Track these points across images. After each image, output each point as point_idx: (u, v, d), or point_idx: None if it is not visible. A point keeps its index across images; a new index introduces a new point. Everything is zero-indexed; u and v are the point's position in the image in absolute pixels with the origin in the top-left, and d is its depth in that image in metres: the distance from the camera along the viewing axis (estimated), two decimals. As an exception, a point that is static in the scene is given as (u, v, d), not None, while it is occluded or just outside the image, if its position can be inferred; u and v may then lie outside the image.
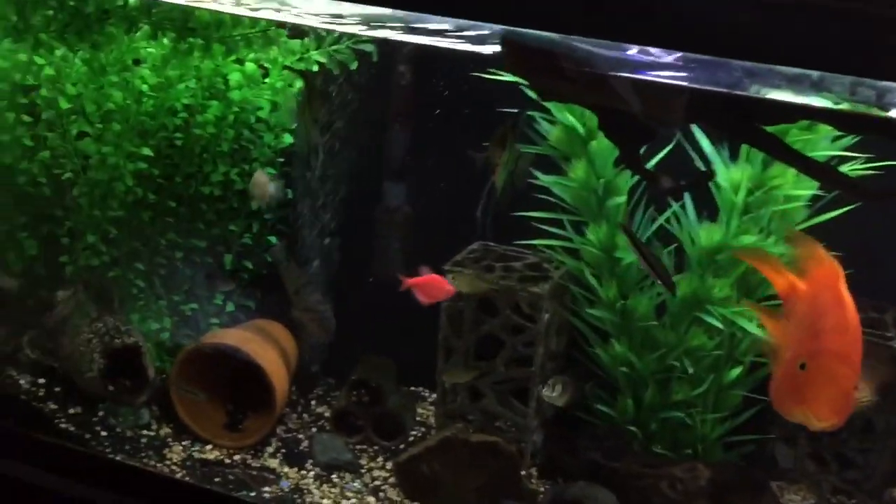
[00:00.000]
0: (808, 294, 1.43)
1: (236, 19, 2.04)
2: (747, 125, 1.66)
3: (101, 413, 2.39)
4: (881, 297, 2.14)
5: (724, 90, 1.57)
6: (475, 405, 2.36)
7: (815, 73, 1.49)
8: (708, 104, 1.64)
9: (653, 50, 1.58)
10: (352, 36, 2.19)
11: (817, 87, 1.53)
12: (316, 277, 2.41)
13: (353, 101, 2.39)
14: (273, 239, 2.46)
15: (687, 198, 2.14)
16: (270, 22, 2.04)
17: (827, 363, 1.31)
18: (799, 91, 1.55)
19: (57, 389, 2.41)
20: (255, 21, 2.02)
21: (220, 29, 1.99)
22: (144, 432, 2.37)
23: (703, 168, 2.02)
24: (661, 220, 2.17)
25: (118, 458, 2.27)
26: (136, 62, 2.24)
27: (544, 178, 2.20)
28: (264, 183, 2.19)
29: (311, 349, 2.57)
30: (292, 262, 2.25)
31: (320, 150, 2.29)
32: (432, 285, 2.10)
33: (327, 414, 2.51)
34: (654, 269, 1.85)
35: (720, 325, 2.06)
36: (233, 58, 2.20)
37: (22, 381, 2.41)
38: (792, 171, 1.97)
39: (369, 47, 2.23)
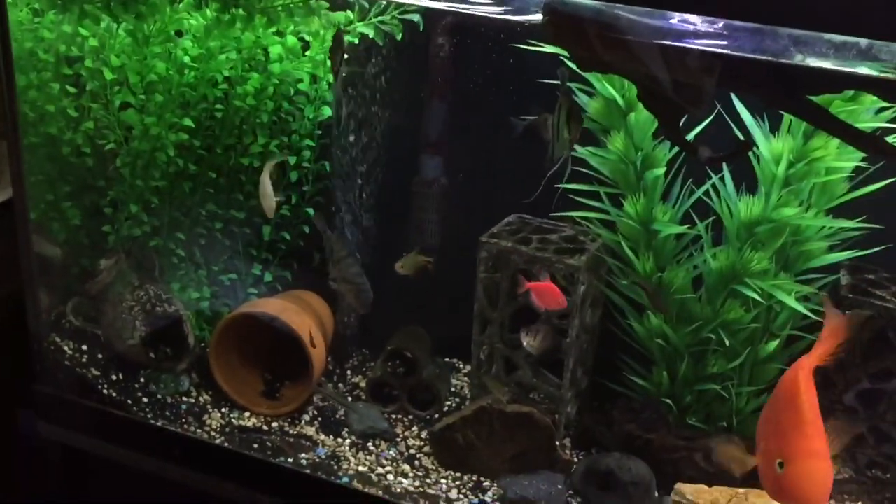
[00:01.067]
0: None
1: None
2: (792, 95, 1.66)
3: (142, 380, 2.43)
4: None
5: (769, 58, 1.57)
6: (510, 377, 2.38)
7: (863, 41, 1.48)
8: (751, 73, 1.63)
9: (694, 18, 1.58)
10: (399, 5, 2.19)
11: (864, 56, 1.52)
12: (354, 249, 2.43)
13: (390, 71, 2.40)
14: (310, 210, 2.48)
15: (725, 170, 2.14)
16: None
17: (802, 465, 1.43)
18: (846, 59, 1.54)
19: (99, 356, 2.46)
20: (296, -9, 2.04)
21: (263, 0, 2.01)
22: (184, 399, 2.42)
23: (744, 139, 2.01)
24: (699, 192, 2.16)
25: (159, 423, 2.32)
26: (179, 33, 2.26)
27: (582, 150, 2.21)
28: (270, 195, 2.21)
29: (348, 319, 2.60)
30: (333, 232, 2.26)
31: (351, 119, 2.30)
32: (548, 293, 2.13)
33: (363, 384, 2.54)
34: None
35: (759, 298, 2.06)
36: (273, 30, 2.21)
37: (66, 348, 2.46)
38: (835, 143, 1.96)
39: (415, 17, 2.23)
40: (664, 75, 1.66)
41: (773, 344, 2.15)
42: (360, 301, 2.26)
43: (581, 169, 2.25)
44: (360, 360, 2.67)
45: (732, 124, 2.06)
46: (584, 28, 1.66)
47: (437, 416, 2.43)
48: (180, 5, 2.14)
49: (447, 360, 2.64)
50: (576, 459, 2.28)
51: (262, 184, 2.20)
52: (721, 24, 1.57)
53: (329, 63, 2.04)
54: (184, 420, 2.35)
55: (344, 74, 1.96)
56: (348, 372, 2.61)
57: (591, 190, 2.24)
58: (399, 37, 2.21)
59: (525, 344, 2.23)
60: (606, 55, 1.70)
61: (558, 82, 1.99)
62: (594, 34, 1.65)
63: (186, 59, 2.26)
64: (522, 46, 2.11)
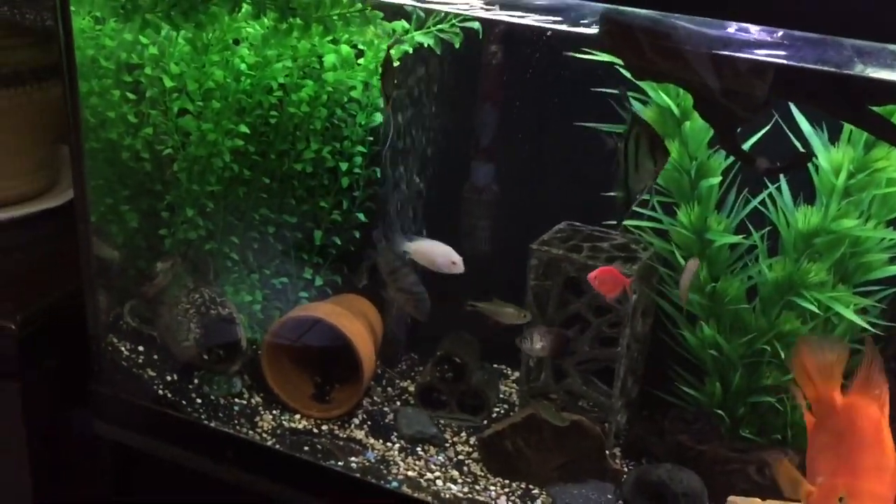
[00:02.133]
0: (844, 413, 1.42)
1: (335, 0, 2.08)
2: (854, 105, 1.63)
3: (195, 381, 2.47)
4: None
5: (831, 69, 1.55)
6: (559, 384, 2.37)
7: (931, 52, 1.45)
8: (812, 83, 1.61)
9: (753, 28, 1.57)
10: (457, 14, 2.20)
11: (931, 66, 1.49)
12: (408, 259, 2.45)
13: (442, 78, 2.41)
14: (361, 216, 2.51)
15: (782, 180, 2.11)
16: (367, 2, 2.07)
17: None
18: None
19: (155, 357, 2.51)
20: (352, 1, 2.05)
21: (320, 9, 2.03)
22: (237, 401, 2.45)
23: (801, 150, 1.98)
24: (755, 202, 2.14)
25: (212, 424, 2.36)
26: (236, 42, 2.30)
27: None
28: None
29: (397, 325, 2.62)
30: (389, 244, 2.29)
31: (397, 126, 2.32)
32: (608, 278, 2.06)
33: (411, 388, 2.56)
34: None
35: (815, 310, 2.03)
36: (328, 38, 2.24)
37: (123, 349, 2.51)
38: (896, 154, 1.92)
39: (475, 24, 2.24)
40: (721, 86, 1.65)
41: (830, 357, 2.11)
42: (419, 310, 2.28)
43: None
44: (408, 365, 2.68)
45: (791, 134, 2.03)
46: (641, 37, 1.65)
47: (485, 422, 2.43)
48: (239, 14, 2.18)
49: (496, 365, 2.65)
50: (626, 469, 2.27)
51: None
52: (781, 34, 1.55)
53: (381, 76, 2.05)
54: (236, 421, 2.39)
55: (394, 96, 1.97)
56: (397, 376, 2.62)
57: (645, 199, 2.22)
58: (458, 45, 2.21)
59: (527, 350, 2.22)
60: (662, 64, 1.69)
61: (624, 104, 1.98)
62: (650, 44, 1.65)
63: (243, 66, 2.29)
64: (577, 55, 2.10)
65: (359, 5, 2.01)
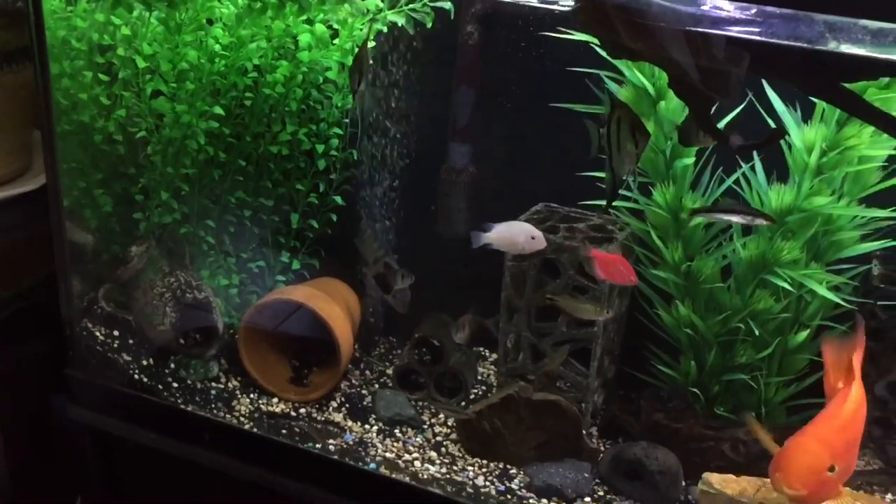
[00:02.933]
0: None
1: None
2: (826, 82, 1.64)
3: (172, 365, 2.46)
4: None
5: (803, 45, 1.56)
6: (536, 365, 2.38)
7: (901, 27, 1.46)
8: (784, 60, 1.62)
9: (726, 4, 1.57)
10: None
11: (901, 41, 1.50)
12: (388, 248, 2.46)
13: (418, 60, 2.40)
14: (338, 199, 2.50)
15: (756, 159, 2.12)
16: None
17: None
18: (882, 46, 1.52)
19: (131, 342, 2.49)
20: (327, -21, 2.04)
21: (296, -13, 2.02)
22: (213, 385, 2.44)
23: (775, 127, 1.99)
24: (729, 181, 2.15)
25: (189, 408, 2.35)
26: (210, 22, 2.28)
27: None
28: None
29: (374, 308, 2.61)
30: (371, 232, 2.29)
31: (378, 113, 2.31)
32: (616, 265, 2.05)
33: (389, 371, 2.56)
34: (750, 213, 1.87)
35: (789, 288, 2.05)
36: (303, 18, 2.22)
37: (98, 333, 2.49)
38: (868, 131, 1.94)
39: (447, 4, 2.23)
40: (695, 63, 1.65)
41: (803, 334, 2.13)
42: (399, 301, 2.28)
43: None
44: (386, 348, 2.68)
45: (764, 113, 2.04)
46: (615, 15, 1.65)
47: (463, 403, 2.44)
48: (212, -7, 2.16)
49: (474, 348, 2.65)
50: (602, 448, 2.28)
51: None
52: (754, 11, 1.56)
53: (350, 70, 2.03)
54: (213, 405, 2.38)
55: (363, 88, 1.96)
56: (375, 359, 2.62)
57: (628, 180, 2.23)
58: (430, 25, 2.20)
59: (456, 338, 2.28)
60: (637, 42, 1.69)
61: (605, 90, 1.97)
62: (625, 21, 1.65)
63: (217, 47, 2.27)
64: (553, 35, 2.10)
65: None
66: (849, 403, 1.69)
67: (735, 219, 1.93)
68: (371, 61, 2.21)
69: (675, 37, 1.63)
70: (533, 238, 2.07)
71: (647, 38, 1.66)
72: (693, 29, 1.60)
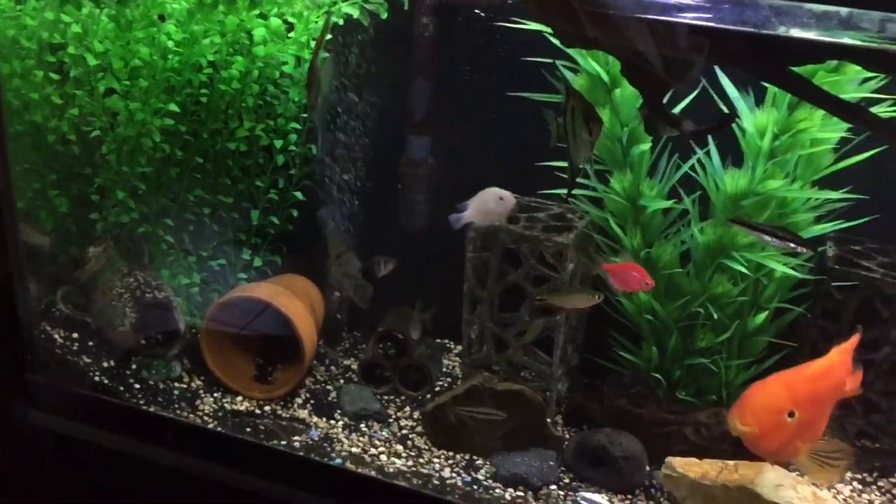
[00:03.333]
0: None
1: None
2: (775, 66, 1.66)
3: (133, 366, 2.43)
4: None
5: (750, 30, 1.57)
6: (500, 355, 2.39)
7: (843, 10, 1.48)
8: (733, 45, 1.63)
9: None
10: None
11: (846, 25, 1.53)
12: (350, 243, 2.45)
13: (375, 53, 2.40)
14: (298, 194, 2.48)
15: (711, 144, 2.14)
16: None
17: None
18: (827, 29, 1.54)
19: (90, 344, 2.46)
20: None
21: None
22: (176, 385, 2.42)
23: (727, 112, 2.01)
24: (685, 167, 2.17)
25: (152, 409, 2.32)
26: (162, 18, 2.25)
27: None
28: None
29: (338, 303, 2.60)
30: (337, 226, 2.27)
31: (337, 109, 2.29)
32: (630, 274, 2.03)
33: (354, 366, 2.55)
34: (789, 240, 1.88)
35: (746, 271, 2.07)
36: (256, 12, 2.20)
37: (57, 336, 2.45)
38: (819, 114, 1.96)
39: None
40: (647, 49, 1.66)
41: (761, 316, 2.16)
42: (360, 296, 2.27)
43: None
44: (351, 343, 2.67)
45: (717, 98, 2.06)
46: (566, 2, 1.65)
47: (428, 396, 2.44)
48: (162, -11, 2.13)
49: (438, 340, 2.65)
50: (567, 436, 2.29)
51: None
52: (704, -4, 1.57)
53: (306, 85, 2.02)
54: (176, 405, 2.36)
55: (319, 105, 1.95)
56: (340, 354, 2.61)
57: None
58: (384, 16, 2.20)
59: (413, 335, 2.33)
60: (589, 30, 1.70)
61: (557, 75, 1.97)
62: (576, 8, 1.65)
63: (170, 43, 2.25)
64: (507, 25, 2.10)
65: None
66: (823, 360, 1.69)
67: (774, 242, 1.90)
68: (326, 60, 2.19)
69: (626, 24, 1.63)
70: (501, 199, 2.07)
71: (597, 26, 1.66)
72: (643, 16, 1.61)
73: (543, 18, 1.81)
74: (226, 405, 2.38)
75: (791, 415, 1.57)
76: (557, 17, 1.71)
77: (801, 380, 1.66)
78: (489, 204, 2.07)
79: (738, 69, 1.94)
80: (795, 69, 1.68)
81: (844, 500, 2.09)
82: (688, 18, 1.60)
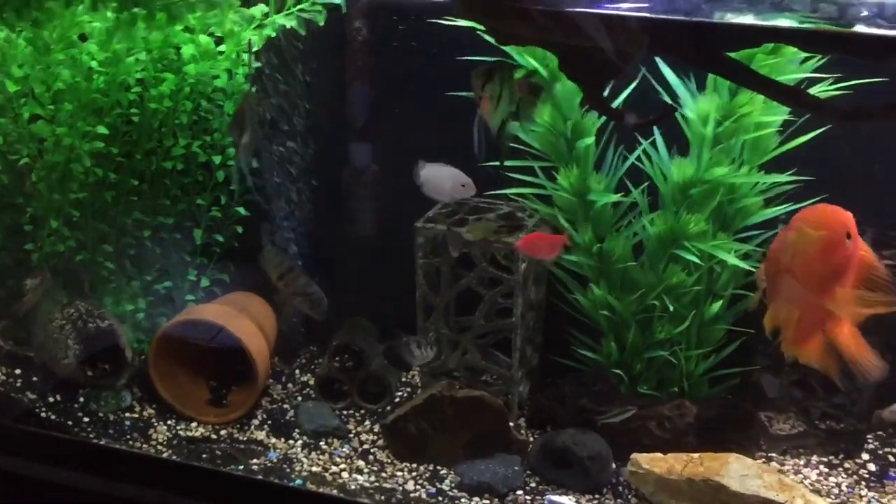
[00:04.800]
0: None
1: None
2: (709, 52, 1.62)
3: (81, 399, 2.35)
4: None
5: (682, 18, 1.54)
6: (459, 362, 2.34)
7: (774, -7, 1.45)
8: (665, 34, 1.59)
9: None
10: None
11: (778, 7, 1.49)
12: (296, 260, 2.38)
13: (310, 61, 2.33)
14: (241, 210, 2.42)
15: (657, 134, 2.11)
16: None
17: None
18: (760, 13, 1.51)
19: (34, 379, 2.37)
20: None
21: (163, -4, 1.92)
22: (128, 415, 2.35)
23: (669, 102, 1.98)
24: (631, 158, 2.13)
25: (103, 442, 2.25)
26: (83, 38, 2.17)
27: (512, 124, 2.15)
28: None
29: (291, 318, 2.54)
30: (275, 246, 2.20)
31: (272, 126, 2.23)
32: (538, 242, 2.00)
33: (312, 382, 2.49)
34: None
35: (697, 261, 2.04)
36: (181, 27, 2.13)
37: (-2, 374, 2.37)
38: (760, 98, 1.93)
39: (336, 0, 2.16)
40: (579, 42, 1.62)
41: (717, 305, 2.13)
42: (317, 310, 2.21)
43: (513, 145, 2.20)
44: (307, 358, 2.61)
45: (660, 87, 2.02)
46: (495, 1, 1.60)
47: (388, 407, 2.38)
48: (78, 8, 2.04)
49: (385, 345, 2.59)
50: (531, 439, 2.25)
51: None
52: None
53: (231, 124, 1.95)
54: (129, 436, 2.28)
55: (246, 141, 1.89)
56: (297, 371, 2.55)
57: (525, 165, 2.19)
58: (322, 22, 2.13)
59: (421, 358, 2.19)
60: (518, 26, 1.65)
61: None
62: (503, 5, 1.60)
63: (93, 63, 2.16)
64: (441, 22, 2.05)
65: (204, -11, 1.91)
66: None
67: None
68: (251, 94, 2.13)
69: (553, 18, 1.59)
70: (463, 185, 1.97)
71: (527, 23, 1.62)
72: (571, 9, 1.56)
73: (472, 18, 1.75)
74: (180, 432, 2.31)
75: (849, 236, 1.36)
76: (486, 17, 1.67)
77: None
78: (445, 184, 1.98)
79: (673, 58, 1.91)
80: (732, 55, 1.65)
81: (811, 484, 2.07)
82: (621, 10, 1.56)
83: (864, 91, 1.83)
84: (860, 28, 1.47)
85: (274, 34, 2.21)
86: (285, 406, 2.40)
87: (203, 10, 1.93)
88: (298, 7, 2.16)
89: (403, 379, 2.50)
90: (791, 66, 1.89)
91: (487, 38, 1.93)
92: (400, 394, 2.45)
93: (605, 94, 1.85)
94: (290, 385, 2.50)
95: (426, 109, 2.29)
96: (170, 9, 1.89)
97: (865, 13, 1.47)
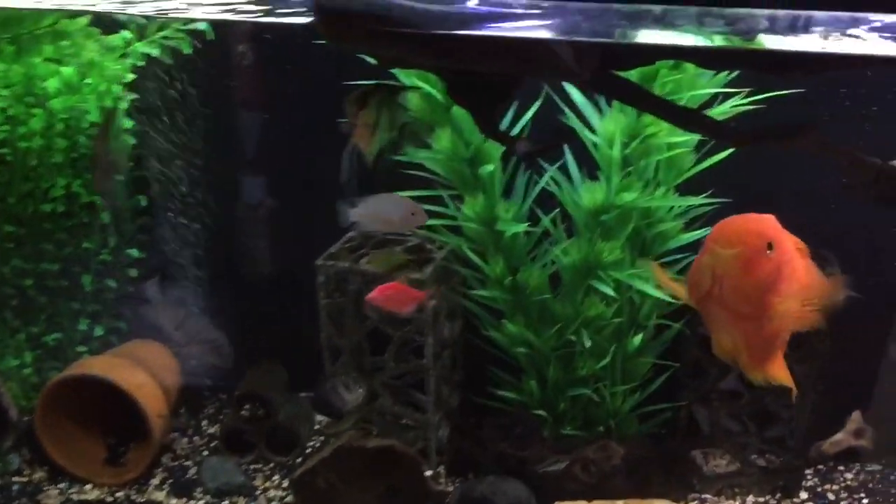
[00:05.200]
0: None
1: (36, 16, 1.79)
2: (600, 74, 1.47)
3: (-35, 465, 2.17)
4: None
5: (562, 38, 1.38)
6: (371, 406, 2.17)
7: (657, 8, 1.30)
8: (547, 55, 1.44)
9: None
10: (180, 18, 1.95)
11: (661, 22, 1.34)
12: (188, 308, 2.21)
13: (191, 92, 2.15)
14: (134, 252, 2.24)
15: (569, 156, 1.95)
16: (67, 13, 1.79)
17: None
18: (643, 29, 1.35)
19: (-89, 447, 2.18)
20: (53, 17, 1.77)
21: (7, 27, 1.74)
22: (15, 479, 2.16)
23: (564, 126, 1.83)
24: (541, 182, 1.97)
25: (-13, 512, 2.07)
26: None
27: (410, 151, 1.99)
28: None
29: (195, 367, 2.36)
30: (167, 298, 2.03)
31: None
32: (394, 295, 1.83)
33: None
34: None
35: (611, 292, 1.88)
36: (40, 59, 1.94)
37: None
38: (667, 117, 1.78)
39: (202, 25, 1.99)
40: (462, 67, 1.46)
41: (640, 337, 1.98)
42: (222, 357, 2.04)
43: (418, 172, 2.04)
44: (216, 408, 2.43)
45: (567, 108, 1.87)
46: (357, 24, 1.44)
47: (299, 459, 2.21)
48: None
49: (307, 394, 2.42)
50: (451, 488, 2.09)
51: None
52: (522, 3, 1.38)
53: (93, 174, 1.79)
54: (16, 502, 2.10)
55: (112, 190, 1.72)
56: (203, 423, 2.37)
57: (431, 195, 2.03)
58: (187, 50, 1.96)
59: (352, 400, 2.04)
60: (391, 50, 1.49)
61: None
62: (368, 29, 1.44)
63: (-53, 102, 1.98)
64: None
65: (48, 20, 1.73)
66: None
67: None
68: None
69: (427, 41, 1.43)
70: (413, 214, 1.74)
71: (398, 46, 1.46)
72: (441, 31, 1.40)
73: (337, 43, 1.58)
74: (73, 496, 2.13)
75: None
76: (350, 41, 1.50)
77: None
78: (392, 215, 1.75)
79: (557, 80, 1.75)
80: (626, 75, 1.49)
81: (747, 526, 1.92)
82: (495, 30, 1.40)
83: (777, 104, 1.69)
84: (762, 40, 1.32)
85: (140, 63, 2.04)
86: (187, 463, 2.23)
87: (50, 42, 1.75)
88: (161, 35, 1.98)
89: (316, 427, 2.33)
90: (700, 80, 1.74)
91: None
92: (312, 443, 2.28)
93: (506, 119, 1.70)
94: (195, 438, 2.32)
95: (322, 138, 2.12)
96: (17, 41, 1.72)
97: (765, 24, 1.33)
